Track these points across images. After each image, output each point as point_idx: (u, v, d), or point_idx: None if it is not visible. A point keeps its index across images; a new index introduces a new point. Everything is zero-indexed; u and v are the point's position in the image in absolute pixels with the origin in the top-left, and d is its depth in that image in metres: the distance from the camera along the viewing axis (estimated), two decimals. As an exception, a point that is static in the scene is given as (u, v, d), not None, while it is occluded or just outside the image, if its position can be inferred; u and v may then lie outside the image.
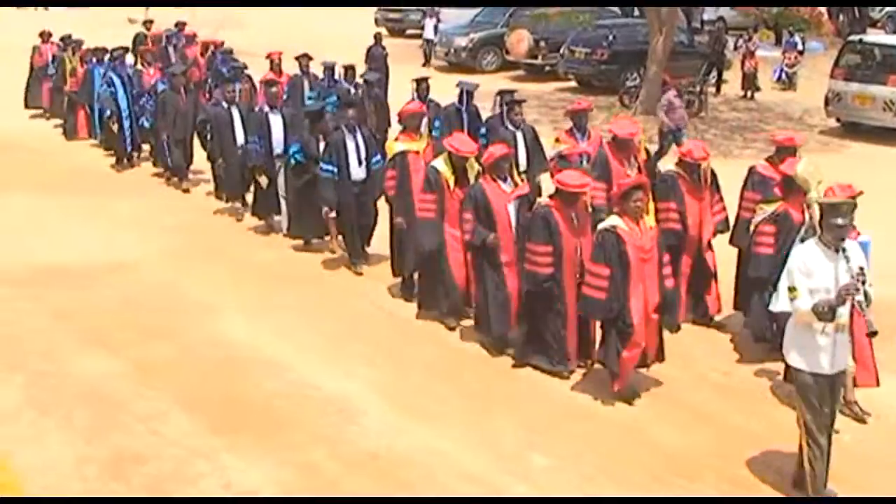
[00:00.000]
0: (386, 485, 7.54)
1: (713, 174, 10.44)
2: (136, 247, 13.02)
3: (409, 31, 35.86)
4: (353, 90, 16.64)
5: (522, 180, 10.53)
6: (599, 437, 8.26)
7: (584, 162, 11.54)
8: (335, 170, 11.80)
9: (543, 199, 9.31)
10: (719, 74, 25.33)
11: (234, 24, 32.76)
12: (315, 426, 8.40)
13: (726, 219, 10.50)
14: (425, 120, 12.41)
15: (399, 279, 11.52)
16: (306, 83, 17.40)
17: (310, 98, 16.56)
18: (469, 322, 10.33)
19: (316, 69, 17.86)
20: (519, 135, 12.30)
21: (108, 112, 17.45)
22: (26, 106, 21.88)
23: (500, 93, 13.47)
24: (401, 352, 9.94)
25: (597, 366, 9.19)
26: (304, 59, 17.72)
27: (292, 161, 12.77)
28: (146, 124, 16.95)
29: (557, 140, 12.26)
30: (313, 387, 9.11)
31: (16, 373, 9.38)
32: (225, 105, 14.37)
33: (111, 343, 10.02)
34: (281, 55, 18.11)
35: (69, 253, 12.71)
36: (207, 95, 17.45)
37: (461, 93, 14.27)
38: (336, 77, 17.41)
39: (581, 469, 7.76)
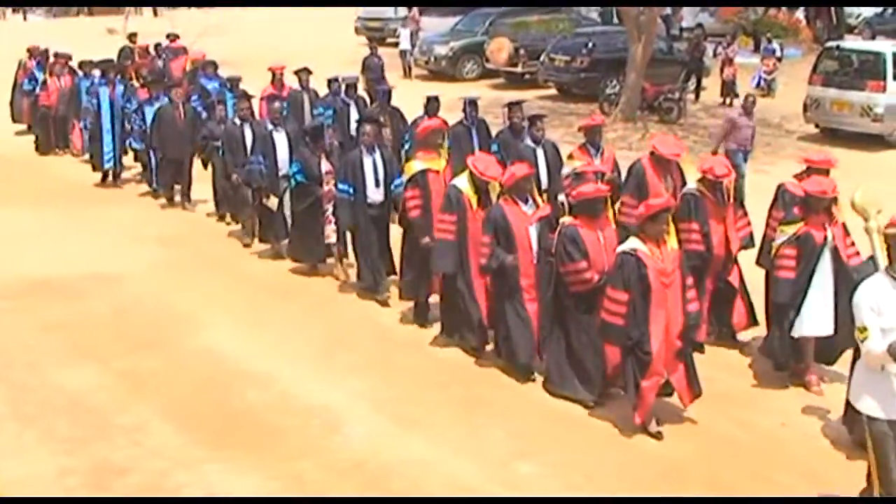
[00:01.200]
0: (372, 494, 7.53)
1: (736, 189, 10.12)
2: (125, 259, 12.97)
3: (389, 40, 35.86)
4: (352, 105, 15.57)
5: (544, 201, 10.10)
6: (586, 445, 8.27)
7: (600, 180, 10.74)
8: (350, 190, 11.20)
9: (567, 219, 8.93)
10: (698, 81, 25.43)
11: (215, 31, 32.69)
12: (301, 436, 8.39)
13: (751, 235, 10.11)
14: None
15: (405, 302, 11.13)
16: (306, 98, 16.43)
17: (319, 114, 15.63)
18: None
19: (314, 83, 16.88)
20: (539, 151, 11.83)
21: (86, 123, 16.99)
22: (13, 120, 21.38)
23: (509, 105, 12.96)
24: (387, 361, 9.94)
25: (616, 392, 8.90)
26: (303, 73, 16.57)
27: (293, 182, 12.14)
28: (136, 145, 16.23)
29: (571, 156, 11.68)
30: (299, 397, 9.10)
31: (0, 384, 9.34)
32: (238, 122, 13.66)
33: (97, 355, 10.00)
34: (283, 69, 17.10)
35: (58, 265, 12.66)
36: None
37: (465, 106, 13.75)
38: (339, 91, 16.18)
39: (567, 477, 7.78)
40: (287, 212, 12.53)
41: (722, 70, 25.20)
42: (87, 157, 18.26)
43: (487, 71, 28.61)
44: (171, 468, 7.89)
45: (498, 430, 8.48)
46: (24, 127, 21.26)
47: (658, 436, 8.32)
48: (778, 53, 27.01)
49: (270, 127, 13.05)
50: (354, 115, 15.08)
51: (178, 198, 15.77)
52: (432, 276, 10.34)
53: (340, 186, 11.31)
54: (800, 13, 34.99)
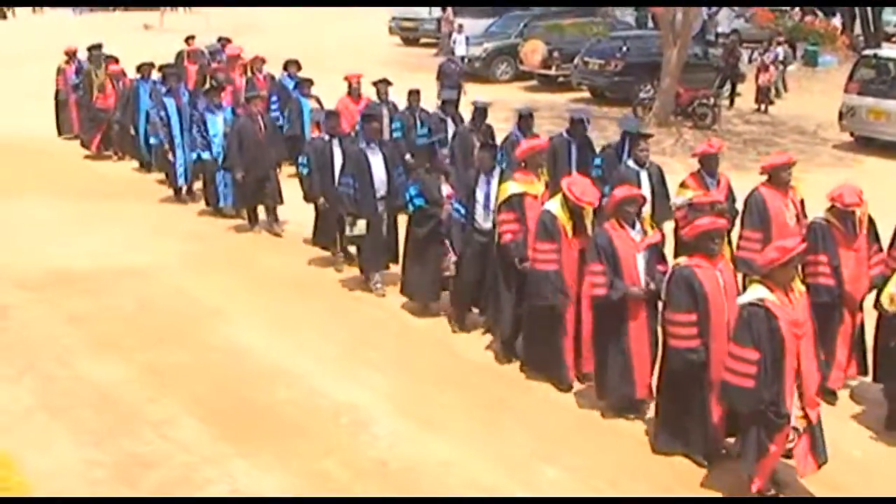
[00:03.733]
0: (395, 494, 7.54)
1: (871, 221, 9.06)
2: (152, 253, 13.04)
3: (423, 40, 35.96)
4: (449, 122, 14.01)
5: (653, 227, 8.96)
6: (609, 449, 8.24)
7: (715, 212, 9.76)
8: (462, 211, 10.27)
9: (682, 259, 7.95)
10: (733, 87, 25.29)
11: (248, 29, 32.81)
12: (325, 434, 8.41)
13: (885, 273, 8.88)
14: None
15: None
16: (385, 112, 14.87)
17: (394, 130, 14.46)
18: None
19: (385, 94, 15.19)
20: (643, 174, 10.70)
21: (158, 140, 15.58)
22: (59, 134, 20.18)
23: (626, 128, 11.80)
24: (412, 361, 9.94)
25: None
26: (382, 84, 15.10)
27: (410, 207, 10.91)
28: (204, 156, 14.65)
29: (683, 185, 10.49)
30: (324, 395, 9.12)
31: (27, 376, 9.43)
32: (326, 138, 12.40)
33: (123, 348, 10.05)
34: (360, 78, 15.63)
35: (85, 258, 12.74)
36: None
37: (572, 123, 12.46)
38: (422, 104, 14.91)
39: (590, 480, 7.75)
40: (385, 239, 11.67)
41: (757, 76, 25.03)
42: (146, 167, 17.49)
43: (521, 73, 28.59)
44: (198, 463, 7.93)
45: (522, 433, 8.47)
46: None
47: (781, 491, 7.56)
48: (780, 57, 26.34)
49: (363, 144, 11.76)
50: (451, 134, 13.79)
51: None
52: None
53: (455, 206, 10.40)
54: (836, 20, 34.75)
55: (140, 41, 31.92)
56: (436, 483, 7.69)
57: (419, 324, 10.93)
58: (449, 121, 14.09)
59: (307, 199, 12.61)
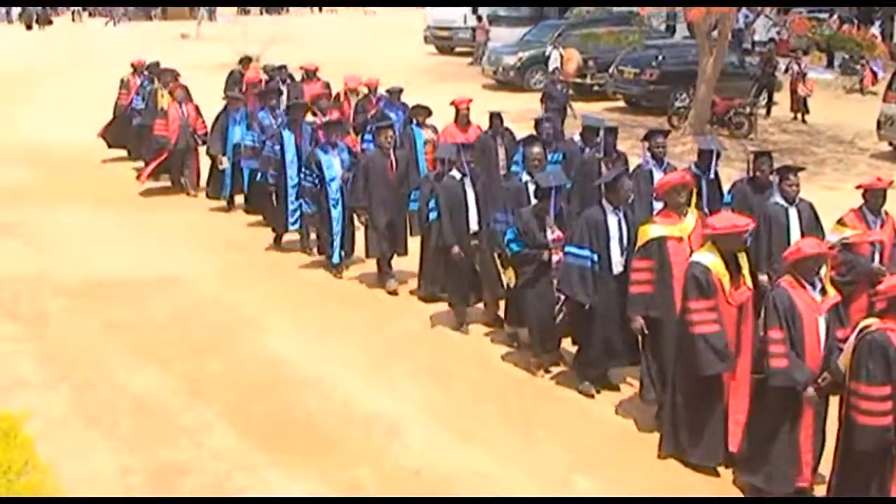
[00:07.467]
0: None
1: None
2: (189, 262, 13.11)
3: (457, 49, 36.05)
4: (588, 151, 12.20)
5: (834, 286, 7.74)
6: (644, 463, 8.18)
7: (877, 255, 9.26)
8: (594, 257, 8.99)
9: (872, 321, 6.82)
10: (769, 96, 25.12)
11: (284, 40, 32.93)
12: (359, 444, 8.42)
13: None
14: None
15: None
16: (501, 143, 13.35)
17: (515, 163, 12.26)
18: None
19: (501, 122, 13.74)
20: (793, 213, 9.54)
21: (266, 177, 13.71)
22: (109, 146, 19.06)
23: (755, 154, 10.72)
24: (447, 372, 9.92)
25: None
26: (496, 117, 13.58)
27: (508, 251, 9.66)
28: (307, 208, 12.77)
29: (841, 222, 9.39)
30: (358, 404, 9.13)
31: (64, 383, 9.50)
32: (457, 176, 11.01)
33: (160, 356, 10.11)
34: (469, 103, 13.98)
35: (124, 266, 12.84)
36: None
37: (701, 154, 11.20)
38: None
39: (625, 493, 7.69)
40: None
41: (794, 86, 24.79)
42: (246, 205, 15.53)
43: (555, 82, 28.51)
44: (232, 471, 7.96)
45: (556, 445, 8.43)
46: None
47: None
48: (811, 75, 25.98)
49: (527, 178, 10.50)
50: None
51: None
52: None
53: (572, 250, 9.06)
54: (875, 29, 34.45)
55: (177, 50, 32.16)
56: (467, 494, 7.65)
57: (456, 336, 10.89)
58: (587, 151, 12.27)
59: (436, 248, 11.04)
